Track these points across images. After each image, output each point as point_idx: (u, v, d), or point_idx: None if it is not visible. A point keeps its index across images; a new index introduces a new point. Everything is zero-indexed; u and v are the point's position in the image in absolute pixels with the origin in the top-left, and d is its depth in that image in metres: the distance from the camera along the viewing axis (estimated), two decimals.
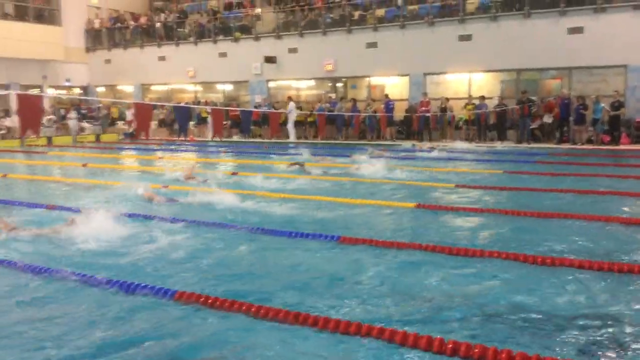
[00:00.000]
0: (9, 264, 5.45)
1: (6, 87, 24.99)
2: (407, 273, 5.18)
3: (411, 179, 11.19)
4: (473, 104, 20.21)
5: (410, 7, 22.22)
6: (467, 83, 21.42)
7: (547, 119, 19.16)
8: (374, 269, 5.28)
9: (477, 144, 19.16)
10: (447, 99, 20.62)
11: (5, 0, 25.85)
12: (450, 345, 3.52)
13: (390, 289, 4.75)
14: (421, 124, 20.76)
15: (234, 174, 12.28)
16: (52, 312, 4.33)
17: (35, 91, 26.22)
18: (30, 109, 8.08)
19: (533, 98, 19.37)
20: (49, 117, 25.04)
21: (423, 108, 20.76)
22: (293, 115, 22.18)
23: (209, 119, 23.56)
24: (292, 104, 22.57)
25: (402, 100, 22.16)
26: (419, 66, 21.62)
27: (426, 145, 18.63)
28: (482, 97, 19.97)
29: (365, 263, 5.47)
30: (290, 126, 22.46)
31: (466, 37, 20.66)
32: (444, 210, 8.05)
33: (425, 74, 21.81)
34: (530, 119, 19.23)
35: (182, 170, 10.75)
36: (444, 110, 20.51)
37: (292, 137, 22.45)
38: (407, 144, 19.62)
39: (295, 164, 12.94)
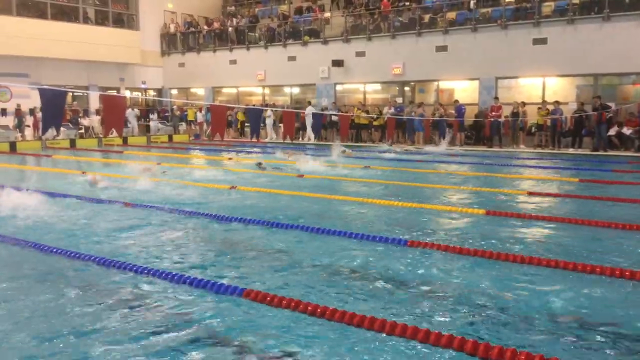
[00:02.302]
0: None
1: (86, 88, 26.31)
2: (474, 280, 5.07)
3: (482, 185, 10.96)
4: (547, 109, 19.55)
5: (483, 10, 21.78)
6: (541, 87, 20.75)
7: (626, 131, 18.24)
8: (441, 274, 5.21)
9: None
10: (524, 103, 19.99)
11: (87, 5, 27.15)
12: (523, 357, 3.42)
13: (455, 295, 4.67)
14: (493, 129, 20.26)
15: (300, 176, 12.42)
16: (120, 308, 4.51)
17: (112, 93, 27.48)
18: (114, 109, 8.44)
19: (610, 104, 18.50)
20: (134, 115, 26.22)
21: (494, 113, 20.26)
22: (310, 118, 22.22)
23: (268, 122, 24.03)
24: (309, 108, 22.98)
25: (471, 104, 21.72)
26: (490, 70, 21.14)
27: (402, 147, 19.90)
28: (557, 102, 19.29)
29: (433, 268, 5.41)
30: (308, 129, 22.94)
31: (541, 41, 20.01)
32: (515, 217, 7.82)
33: (497, 78, 21.31)
34: (607, 126, 18.36)
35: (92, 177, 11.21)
36: (516, 115, 19.92)
37: (312, 139, 22.92)
38: (384, 145, 20.13)
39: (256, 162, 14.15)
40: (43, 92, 7.04)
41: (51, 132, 18.91)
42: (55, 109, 7.10)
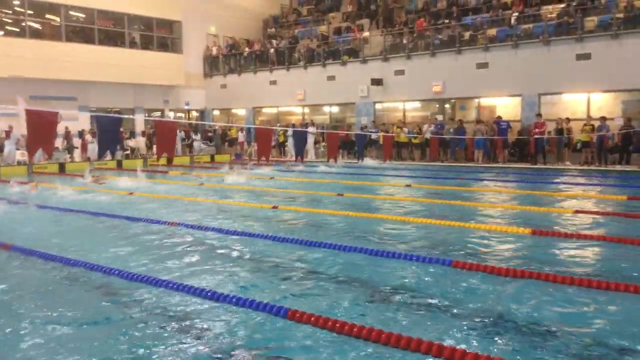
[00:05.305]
0: None
1: (133, 110, 27.05)
2: (519, 303, 4.98)
3: (526, 204, 10.78)
4: (592, 125, 19.11)
5: (524, 26, 21.57)
6: (585, 103, 20.33)
7: None
8: (485, 295, 5.14)
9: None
10: (569, 120, 19.57)
11: (132, 30, 28.00)
12: None
13: (502, 318, 4.60)
14: (538, 146, 19.89)
15: (339, 195, 12.44)
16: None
17: (156, 114, 28.17)
18: (166, 133, 8.67)
19: None
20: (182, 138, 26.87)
21: (537, 130, 19.91)
22: (312, 138, 23.76)
23: (310, 140, 24.26)
24: (312, 128, 24.03)
25: (513, 121, 21.40)
26: (532, 86, 20.86)
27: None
28: (603, 118, 18.82)
29: (476, 289, 5.33)
30: (310, 147, 24.12)
31: (585, 56, 19.68)
32: (562, 237, 7.65)
33: (539, 94, 21.00)
34: None
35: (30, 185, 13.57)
36: (560, 132, 19.52)
37: (312, 157, 24.28)
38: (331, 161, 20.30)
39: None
40: (99, 119, 7.27)
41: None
42: (111, 134, 7.33)
